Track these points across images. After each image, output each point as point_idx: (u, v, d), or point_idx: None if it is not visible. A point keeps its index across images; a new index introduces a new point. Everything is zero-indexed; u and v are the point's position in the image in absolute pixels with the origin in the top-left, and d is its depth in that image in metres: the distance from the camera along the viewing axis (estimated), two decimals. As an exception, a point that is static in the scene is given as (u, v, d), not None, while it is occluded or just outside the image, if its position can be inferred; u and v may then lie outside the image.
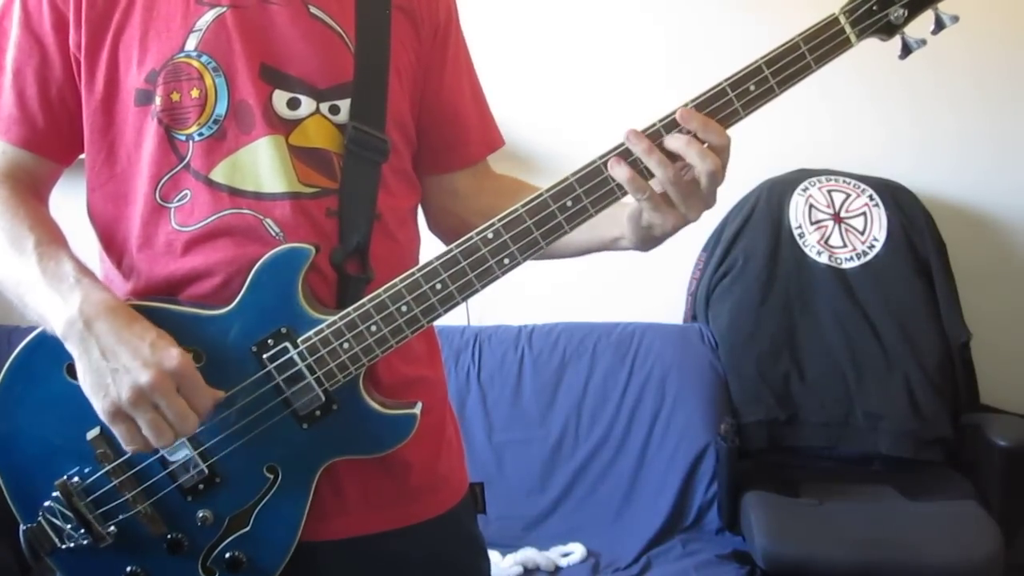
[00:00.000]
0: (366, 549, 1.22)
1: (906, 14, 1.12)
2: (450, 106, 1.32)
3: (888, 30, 1.13)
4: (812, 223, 2.80)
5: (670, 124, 1.11)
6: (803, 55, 1.11)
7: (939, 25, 1.13)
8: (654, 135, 1.10)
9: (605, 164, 1.12)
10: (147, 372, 1.04)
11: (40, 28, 1.19)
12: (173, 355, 1.05)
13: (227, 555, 1.15)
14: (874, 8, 1.11)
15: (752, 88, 1.11)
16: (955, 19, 1.12)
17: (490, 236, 1.13)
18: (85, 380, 1.07)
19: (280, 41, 1.18)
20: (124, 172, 1.19)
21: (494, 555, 2.43)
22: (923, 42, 1.14)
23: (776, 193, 2.84)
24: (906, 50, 1.15)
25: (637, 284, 2.98)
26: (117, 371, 1.05)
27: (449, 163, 1.35)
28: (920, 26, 1.14)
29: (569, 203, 1.12)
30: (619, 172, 1.10)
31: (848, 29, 1.11)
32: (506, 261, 1.13)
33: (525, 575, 2.47)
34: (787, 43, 1.12)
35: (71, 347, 1.07)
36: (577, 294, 2.97)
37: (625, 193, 1.13)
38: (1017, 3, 2.83)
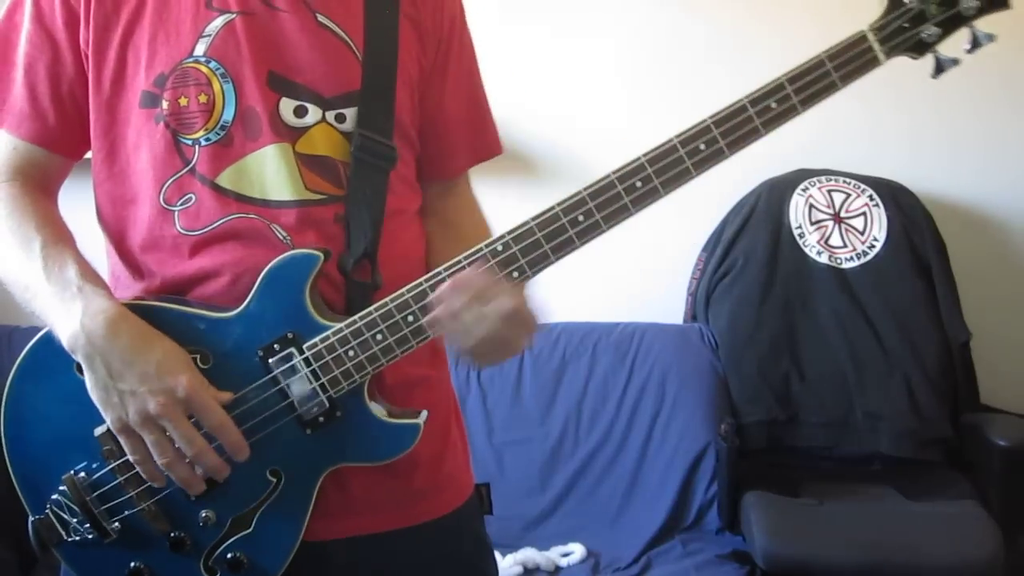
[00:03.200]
0: (372, 548, 1.22)
1: (940, 32, 1.09)
2: (445, 118, 1.30)
3: (919, 48, 1.10)
4: (812, 223, 2.80)
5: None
6: (828, 72, 1.09)
7: (975, 44, 1.10)
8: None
9: (619, 179, 1.11)
10: (155, 399, 1.05)
11: (52, 24, 1.19)
12: (182, 381, 1.06)
13: (229, 555, 1.15)
14: (905, 25, 1.09)
15: (773, 106, 1.09)
16: (991, 38, 1.09)
17: (499, 248, 1.12)
18: (93, 393, 1.08)
19: (288, 49, 1.18)
20: (122, 172, 1.19)
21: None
22: (956, 61, 1.10)
23: (776, 193, 2.84)
24: (939, 69, 1.11)
25: (637, 284, 2.98)
26: (124, 393, 1.06)
27: (433, 173, 1.33)
28: (953, 43, 1.10)
29: (580, 217, 1.11)
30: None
31: (876, 47, 1.09)
32: (515, 275, 1.13)
33: (525, 575, 2.47)
34: (811, 60, 1.09)
35: (79, 359, 1.09)
36: (577, 294, 2.96)
37: (638, 211, 1.12)
38: (1016, 2, 2.83)
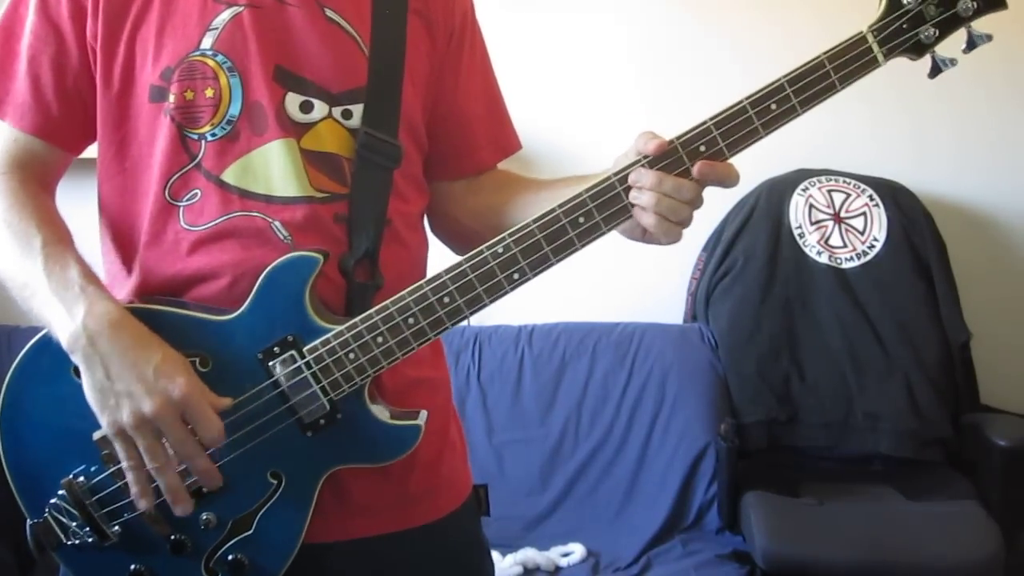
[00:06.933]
0: (370, 551, 1.22)
1: (937, 33, 1.09)
2: (463, 113, 1.31)
3: (917, 49, 1.10)
4: (812, 223, 2.80)
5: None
6: (828, 74, 1.08)
7: (971, 44, 1.11)
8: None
9: (619, 180, 1.11)
10: (150, 400, 1.04)
11: (58, 16, 1.18)
12: (179, 384, 1.05)
13: (229, 557, 1.15)
14: (904, 27, 1.09)
15: (773, 107, 1.09)
16: (988, 38, 1.10)
17: (500, 251, 1.12)
18: (89, 396, 1.07)
19: (295, 43, 1.17)
20: (134, 167, 1.18)
21: (494, 555, 2.42)
22: (954, 61, 1.11)
23: (776, 193, 2.84)
24: (936, 70, 1.12)
25: (637, 284, 2.98)
26: (120, 394, 1.05)
27: (457, 170, 1.34)
28: (950, 44, 1.11)
29: (581, 219, 1.11)
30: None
31: (876, 48, 1.09)
32: (515, 276, 1.12)
33: (525, 575, 2.47)
34: (811, 61, 1.09)
35: (76, 360, 1.08)
36: (577, 294, 2.97)
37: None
38: (1015, 3, 2.83)
